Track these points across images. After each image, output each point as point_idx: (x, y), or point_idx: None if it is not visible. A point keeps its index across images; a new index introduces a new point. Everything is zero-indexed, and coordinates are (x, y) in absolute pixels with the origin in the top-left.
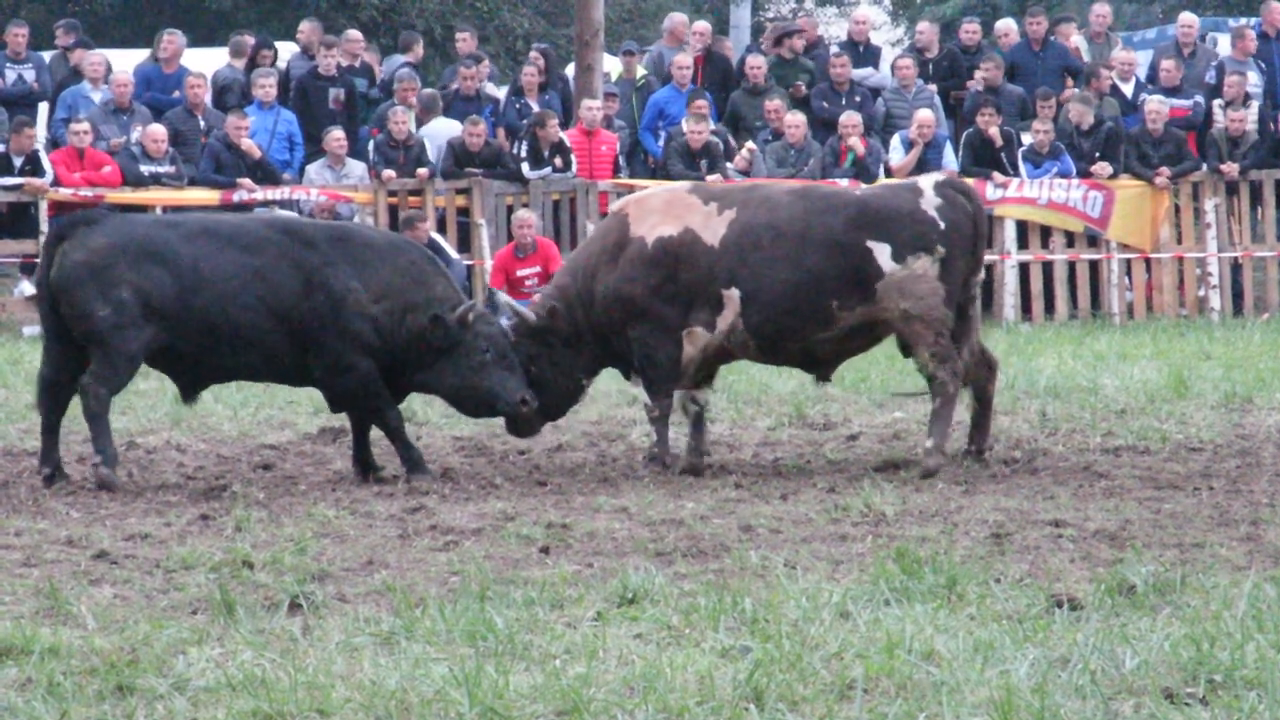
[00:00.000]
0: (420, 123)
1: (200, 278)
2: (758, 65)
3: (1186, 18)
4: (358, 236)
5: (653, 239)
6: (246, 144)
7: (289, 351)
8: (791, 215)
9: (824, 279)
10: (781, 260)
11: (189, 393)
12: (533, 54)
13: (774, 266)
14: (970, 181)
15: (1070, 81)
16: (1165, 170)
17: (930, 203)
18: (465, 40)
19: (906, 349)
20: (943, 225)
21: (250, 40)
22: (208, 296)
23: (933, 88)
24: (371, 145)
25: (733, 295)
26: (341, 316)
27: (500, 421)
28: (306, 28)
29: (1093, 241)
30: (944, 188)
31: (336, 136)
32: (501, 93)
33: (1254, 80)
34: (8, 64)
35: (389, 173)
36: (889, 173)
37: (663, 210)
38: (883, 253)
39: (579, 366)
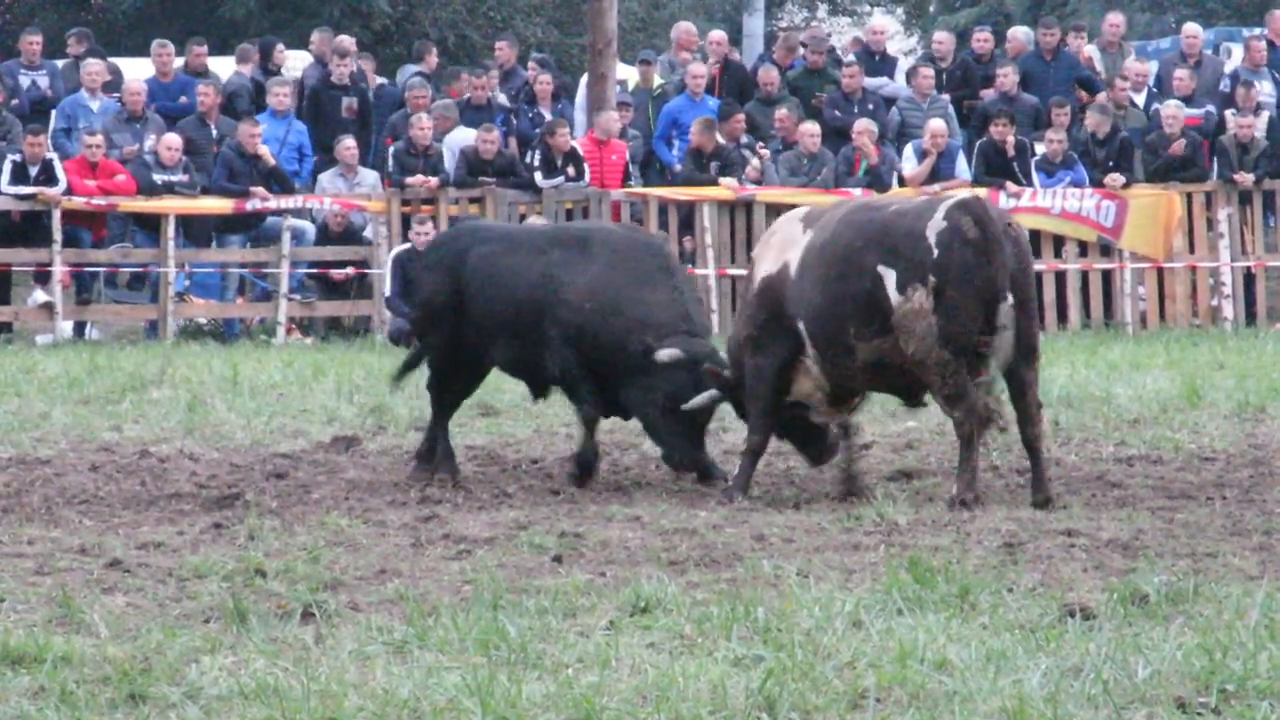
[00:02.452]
0: (441, 132)
1: (476, 281)
2: (771, 76)
3: (1190, 28)
4: (600, 237)
5: (758, 278)
6: (262, 149)
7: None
8: (829, 236)
9: (843, 303)
10: (817, 284)
11: (534, 393)
12: (531, 64)
13: (812, 291)
14: (984, 193)
15: (1083, 93)
16: (1179, 150)
17: (934, 227)
18: (503, 50)
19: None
20: (936, 253)
21: (254, 48)
22: (482, 299)
23: (946, 97)
24: (390, 153)
25: (799, 326)
26: (558, 311)
27: (510, 429)
28: (318, 37)
29: (1106, 251)
30: (955, 210)
31: (348, 145)
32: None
33: (1267, 90)
34: (22, 71)
35: (419, 178)
36: (902, 182)
37: (776, 246)
38: (890, 280)
39: None
